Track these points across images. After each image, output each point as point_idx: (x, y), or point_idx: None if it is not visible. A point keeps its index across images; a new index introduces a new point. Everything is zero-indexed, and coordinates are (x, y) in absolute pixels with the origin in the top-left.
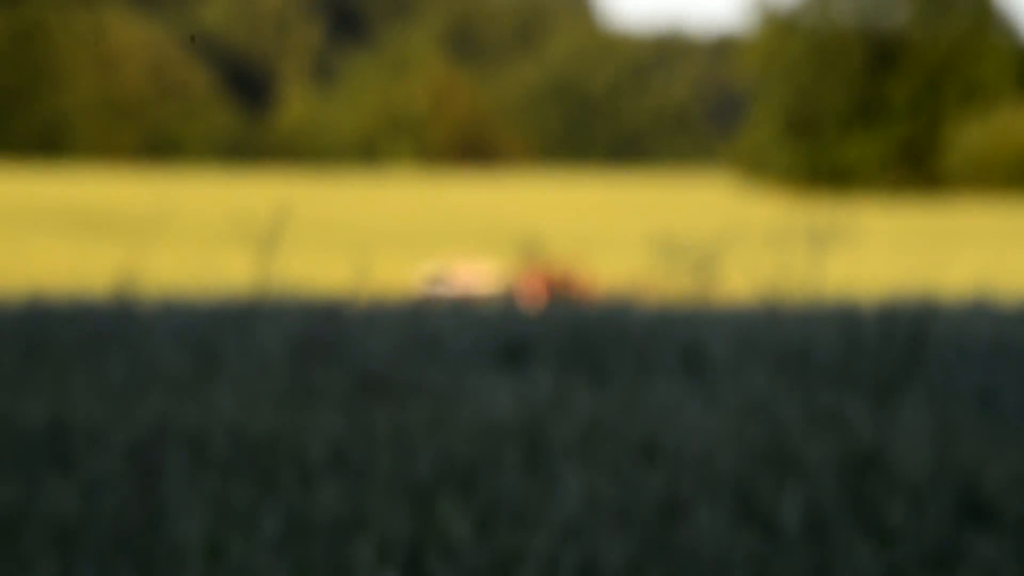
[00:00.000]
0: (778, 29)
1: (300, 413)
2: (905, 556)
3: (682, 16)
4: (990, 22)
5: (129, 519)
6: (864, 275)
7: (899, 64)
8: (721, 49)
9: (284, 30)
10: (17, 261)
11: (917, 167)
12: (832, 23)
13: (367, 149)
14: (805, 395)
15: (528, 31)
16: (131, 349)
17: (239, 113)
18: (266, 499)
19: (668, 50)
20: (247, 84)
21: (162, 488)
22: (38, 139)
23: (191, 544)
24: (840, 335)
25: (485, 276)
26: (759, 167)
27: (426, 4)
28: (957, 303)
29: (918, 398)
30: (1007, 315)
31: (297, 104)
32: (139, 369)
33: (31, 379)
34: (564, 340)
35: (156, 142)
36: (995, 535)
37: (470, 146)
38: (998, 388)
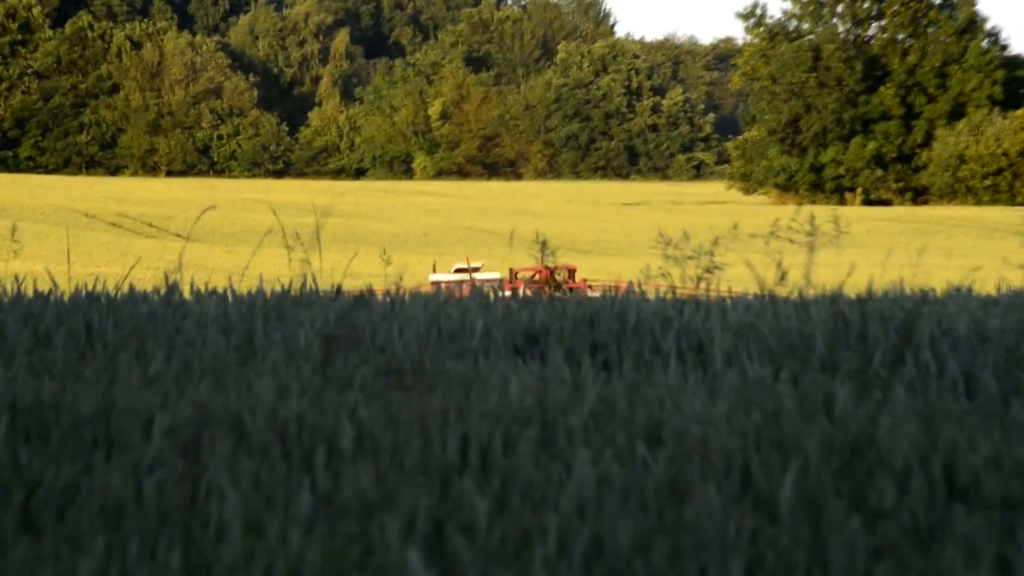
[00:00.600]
0: (768, 36)
1: (330, 398)
2: (891, 532)
3: (688, 24)
4: (977, 31)
5: (173, 498)
6: (853, 269)
7: (886, 72)
8: (726, 56)
9: (317, 46)
10: (71, 257)
11: (902, 171)
12: (821, 32)
13: (395, 158)
14: (799, 381)
15: (547, 44)
16: (177, 337)
17: (275, 125)
18: (299, 479)
19: (676, 57)
20: (281, 98)
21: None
22: (92, 147)
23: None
24: (832, 326)
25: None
26: (752, 168)
27: (451, 21)
28: (941, 293)
29: (905, 384)
30: (986, 302)
31: (329, 116)
32: (183, 356)
33: (84, 366)
34: (573, 329)
35: (198, 150)
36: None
37: (489, 153)
38: (978, 374)
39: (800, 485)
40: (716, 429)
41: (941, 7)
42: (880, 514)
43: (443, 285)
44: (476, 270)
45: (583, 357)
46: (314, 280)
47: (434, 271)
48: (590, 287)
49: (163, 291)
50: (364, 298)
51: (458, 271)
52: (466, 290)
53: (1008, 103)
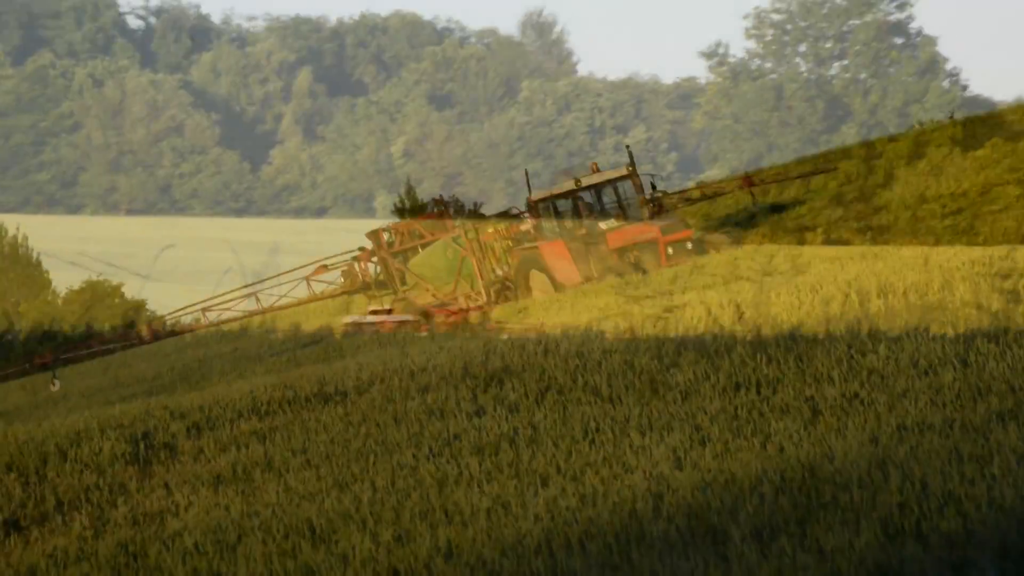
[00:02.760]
0: (731, 75)
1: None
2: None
3: (651, 63)
4: (938, 72)
5: None
6: (807, 305)
7: (847, 112)
8: (689, 95)
9: (279, 84)
10: (42, 297)
11: (862, 211)
12: (783, 71)
13: (357, 196)
14: (752, 416)
15: (511, 83)
16: (131, 366)
17: (236, 164)
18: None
19: (638, 95)
20: (244, 136)
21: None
22: (52, 185)
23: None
24: (792, 365)
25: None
26: (712, 209)
27: (414, 60)
28: (893, 328)
29: (857, 416)
30: (938, 337)
31: (291, 154)
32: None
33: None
34: (532, 367)
35: (159, 189)
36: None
37: (452, 191)
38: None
39: (754, 521)
40: (667, 463)
41: (902, 47)
42: (834, 552)
43: (359, 325)
44: (388, 312)
45: (542, 393)
46: (274, 317)
47: (348, 312)
48: (502, 329)
49: (125, 325)
50: (319, 334)
51: (372, 312)
52: (384, 327)
53: (968, 144)
